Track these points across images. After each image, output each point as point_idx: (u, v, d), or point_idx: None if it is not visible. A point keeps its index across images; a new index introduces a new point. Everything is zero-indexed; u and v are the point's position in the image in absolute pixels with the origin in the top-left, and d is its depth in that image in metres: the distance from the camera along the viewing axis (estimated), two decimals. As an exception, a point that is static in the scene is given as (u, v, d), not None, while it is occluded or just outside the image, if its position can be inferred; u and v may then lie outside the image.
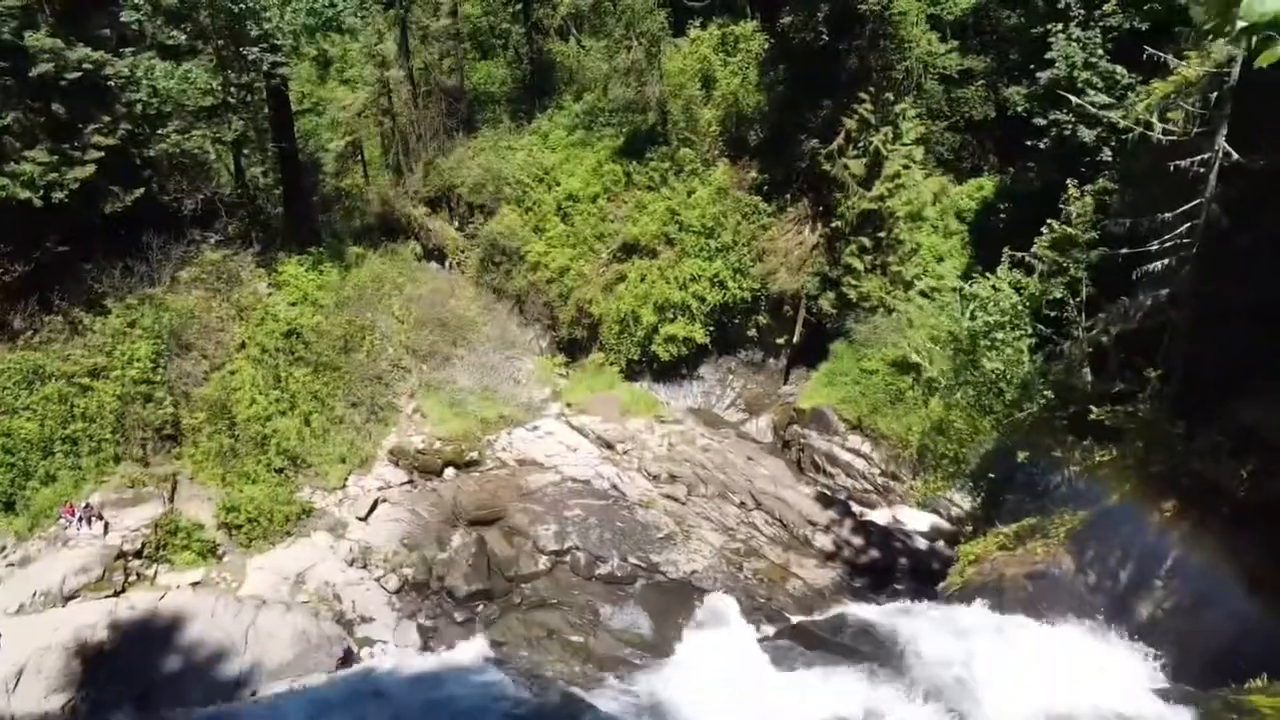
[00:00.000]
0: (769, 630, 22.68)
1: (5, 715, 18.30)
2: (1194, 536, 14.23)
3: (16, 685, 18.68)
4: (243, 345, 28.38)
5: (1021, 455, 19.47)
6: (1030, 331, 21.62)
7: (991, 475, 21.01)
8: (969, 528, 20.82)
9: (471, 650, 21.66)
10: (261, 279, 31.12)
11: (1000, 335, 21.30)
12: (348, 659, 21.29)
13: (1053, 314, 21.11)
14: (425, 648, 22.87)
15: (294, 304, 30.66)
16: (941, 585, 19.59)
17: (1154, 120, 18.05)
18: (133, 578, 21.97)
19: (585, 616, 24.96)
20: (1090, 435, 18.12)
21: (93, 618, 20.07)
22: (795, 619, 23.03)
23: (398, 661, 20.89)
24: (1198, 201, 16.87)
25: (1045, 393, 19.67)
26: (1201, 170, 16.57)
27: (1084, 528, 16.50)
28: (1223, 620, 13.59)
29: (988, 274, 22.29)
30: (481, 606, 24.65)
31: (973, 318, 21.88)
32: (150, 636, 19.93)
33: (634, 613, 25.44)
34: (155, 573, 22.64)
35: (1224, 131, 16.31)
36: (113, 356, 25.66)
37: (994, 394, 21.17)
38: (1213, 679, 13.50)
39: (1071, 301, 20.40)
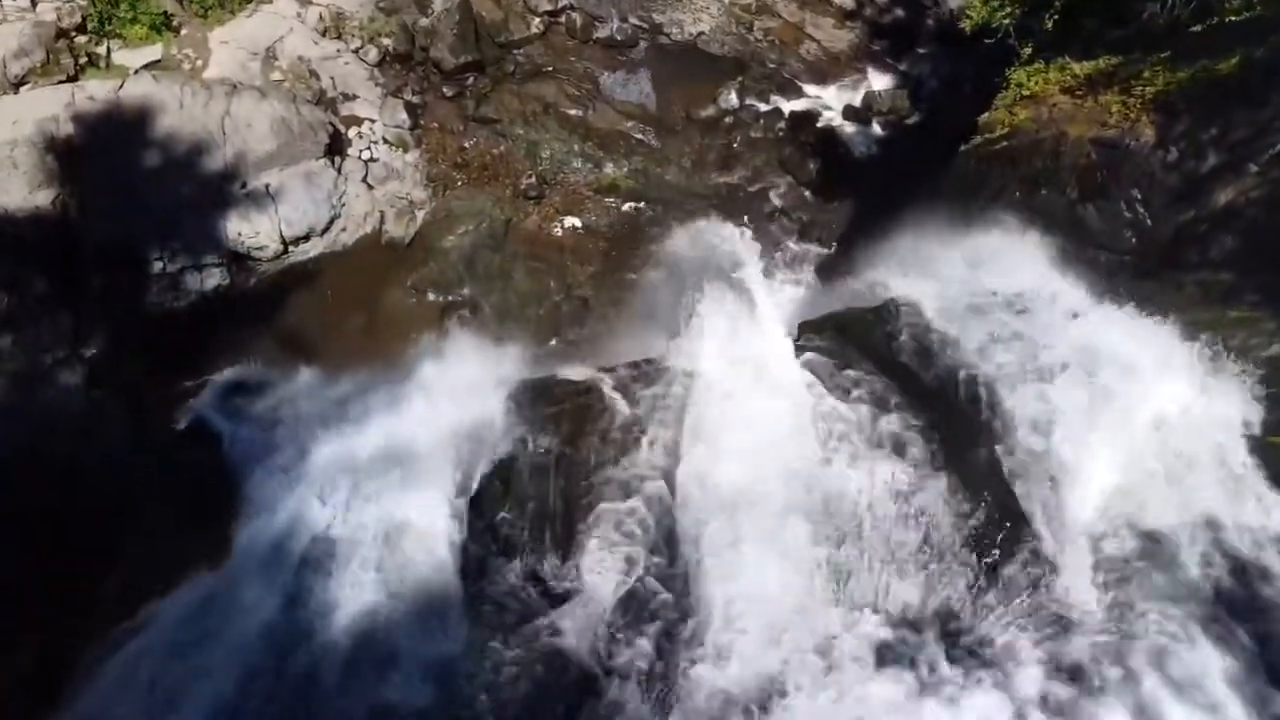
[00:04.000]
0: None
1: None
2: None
3: (-3, 179, 17.98)
4: None
5: None
6: None
7: None
8: (1027, 49, 16.72)
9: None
10: None
11: None
12: (335, 143, 20.30)
13: None
14: (415, 126, 21.75)
15: None
16: (984, 118, 16.21)
17: None
18: (83, 59, 19.76)
19: (583, 86, 23.40)
20: None
21: (51, 109, 18.47)
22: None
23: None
24: None
25: None
26: None
27: (1179, 93, 12.92)
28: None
29: None
30: (472, 79, 22.86)
31: None
32: (120, 130, 18.56)
33: (636, 81, 23.94)
34: (108, 51, 20.40)
35: None
36: None
37: None
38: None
39: None
